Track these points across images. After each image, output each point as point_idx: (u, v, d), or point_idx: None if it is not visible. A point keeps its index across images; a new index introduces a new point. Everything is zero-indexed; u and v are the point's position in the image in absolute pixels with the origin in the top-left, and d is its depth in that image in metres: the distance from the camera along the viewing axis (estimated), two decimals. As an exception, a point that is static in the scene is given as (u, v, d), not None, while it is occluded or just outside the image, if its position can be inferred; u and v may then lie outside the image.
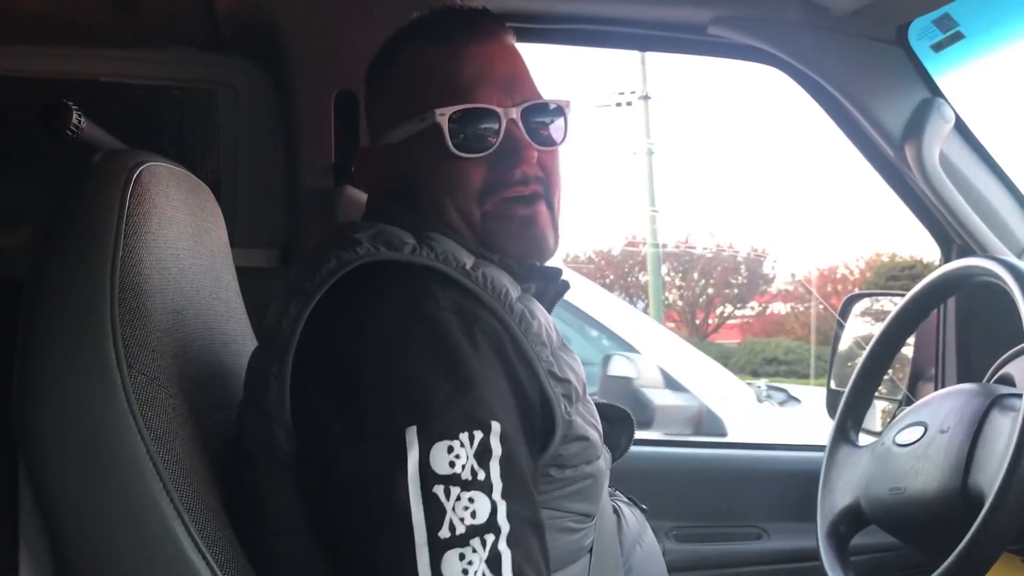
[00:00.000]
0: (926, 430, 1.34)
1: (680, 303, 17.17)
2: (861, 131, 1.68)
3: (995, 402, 1.30)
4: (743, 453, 2.00)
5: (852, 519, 1.40)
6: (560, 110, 1.06)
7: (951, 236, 1.72)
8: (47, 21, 1.61)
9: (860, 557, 1.48)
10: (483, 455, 0.83)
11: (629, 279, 17.58)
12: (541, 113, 1.04)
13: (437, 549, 0.79)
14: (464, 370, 0.87)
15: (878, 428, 1.66)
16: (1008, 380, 1.47)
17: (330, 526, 0.89)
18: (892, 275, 15.14)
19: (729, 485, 1.85)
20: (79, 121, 1.24)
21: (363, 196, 1.64)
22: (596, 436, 1.01)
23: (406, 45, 1.08)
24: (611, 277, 16.58)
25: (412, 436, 0.82)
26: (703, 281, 17.43)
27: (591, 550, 1.02)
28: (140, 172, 1.01)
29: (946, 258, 1.75)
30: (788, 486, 1.78)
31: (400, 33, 1.11)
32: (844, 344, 1.88)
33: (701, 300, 17.32)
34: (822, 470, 1.49)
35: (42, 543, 0.96)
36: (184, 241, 1.09)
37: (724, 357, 15.64)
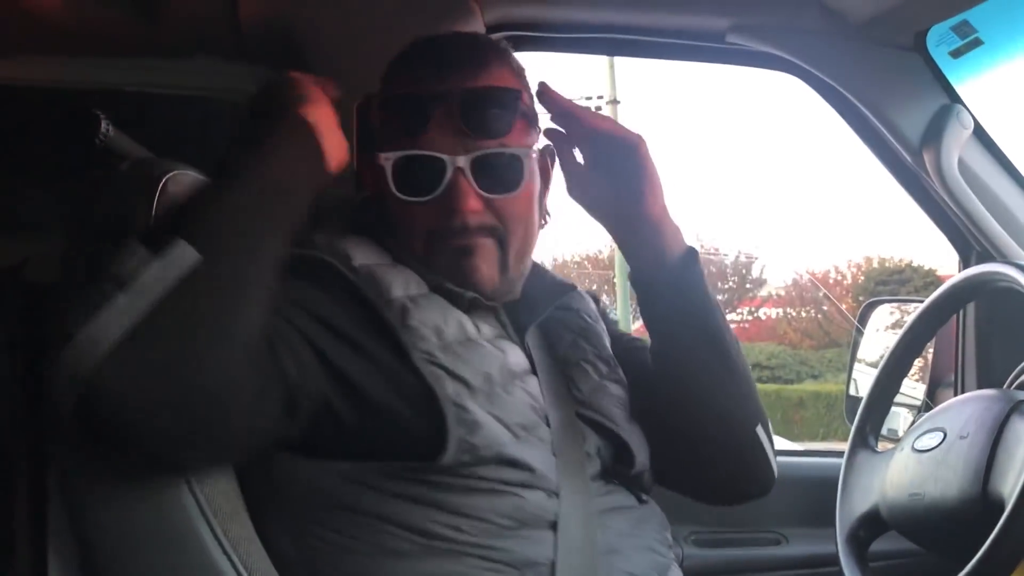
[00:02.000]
0: (945, 436, 1.34)
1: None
2: (879, 138, 1.68)
3: (1015, 408, 1.30)
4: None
5: (871, 525, 1.40)
6: (516, 158, 1.06)
7: (970, 242, 1.72)
8: (73, 32, 1.63)
9: (879, 563, 1.48)
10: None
11: (615, 282, 17.44)
12: (495, 161, 1.05)
13: None
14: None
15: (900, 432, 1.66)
16: (1028, 386, 1.46)
17: None
18: (882, 280, 15.06)
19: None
20: (107, 130, 1.26)
21: (384, 204, 1.67)
22: (499, 432, 1.00)
23: (388, 74, 1.13)
24: (597, 283, 16.43)
25: None
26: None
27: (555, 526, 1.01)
28: (167, 180, 1.03)
29: (965, 264, 1.74)
30: (807, 492, 1.78)
31: (394, 57, 1.15)
32: (862, 351, 1.88)
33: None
34: (841, 476, 1.49)
35: (70, 546, 0.98)
36: (209, 248, 1.11)
37: None
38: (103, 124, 1.25)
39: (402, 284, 1.04)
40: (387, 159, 1.03)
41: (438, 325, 1.02)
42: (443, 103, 1.03)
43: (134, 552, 0.92)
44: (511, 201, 1.07)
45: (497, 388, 1.02)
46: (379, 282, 1.02)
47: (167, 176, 1.03)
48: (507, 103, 1.05)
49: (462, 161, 1.03)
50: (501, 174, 1.05)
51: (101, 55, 1.71)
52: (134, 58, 1.72)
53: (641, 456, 1.14)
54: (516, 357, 1.08)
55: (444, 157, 1.03)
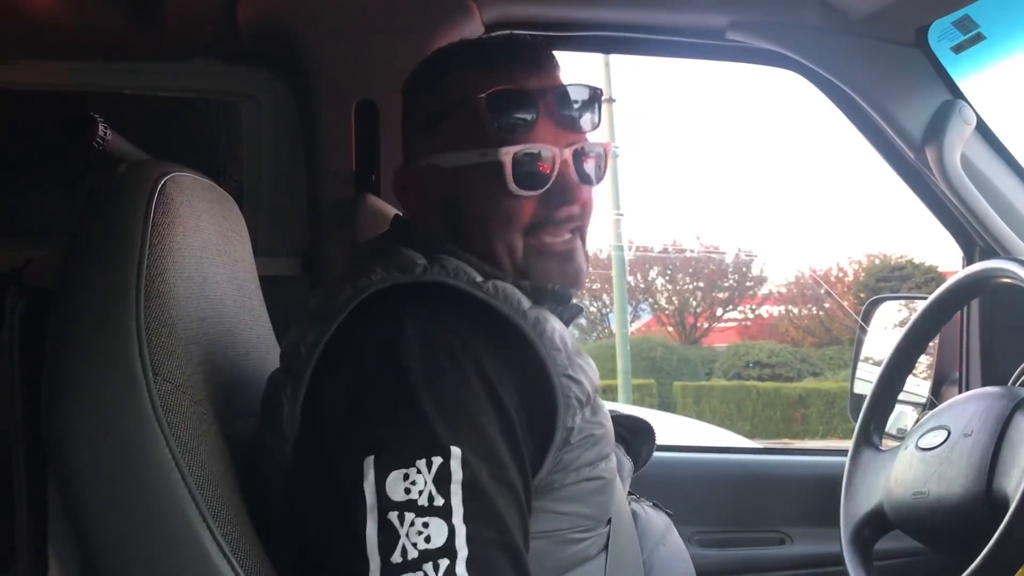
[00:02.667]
0: (949, 434, 1.34)
1: (669, 307, 17.04)
2: (881, 134, 1.68)
3: (1019, 405, 1.29)
4: (766, 458, 1.99)
5: (876, 524, 1.40)
6: (603, 152, 1.08)
7: (973, 238, 1.71)
8: (71, 35, 1.63)
9: (884, 562, 1.48)
10: (442, 481, 0.84)
11: (614, 282, 17.39)
12: (588, 154, 1.07)
13: (388, 574, 0.81)
14: (425, 398, 0.88)
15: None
16: (1033, 383, 1.46)
17: (299, 546, 0.91)
18: (883, 276, 15.04)
19: (752, 490, 1.84)
20: (105, 133, 1.26)
21: (383, 206, 1.66)
22: (605, 435, 1.02)
23: (464, 72, 1.07)
24: (599, 283, 16.41)
25: (369, 465, 0.84)
26: (692, 284, 17.29)
27: (607, 548, 1.03)
28: (165, 183, 1.02)
29: (968, 260, 1.74)
30: (811, 491, 1.78)
31: (454, 54, 1.12)
32: (866, 348, 1.88)
33: (691, 303, 17.19)
34: (845, 475, 1.49)
35: (71, 549, 0.97)
36: (208, 250, 1.11)
37: (709, 361, 15.60)
38: (101, 127, 1.25)
39: (519, 293, 1.01)
40: (507, 156, 1.01)
41: (561, 334, 1.00)
42: (544, 98, 1.04)
43: (134, 555, 0.91)
44: (592, 192, 1.09)
45: (594, 396, 1.02)
46: (509, 296, 0.99)
47: (165, 178, 1.03)
48: (595, 99, 1.08)
49: (567, 153, 1.04)
50: (592, 167, 1.07)
51: (99, 59, 1.71)
52: (132, 61, 1.72)
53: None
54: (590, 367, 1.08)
55: (554, 149, 1.03)
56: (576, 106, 1.06)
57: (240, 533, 0.93)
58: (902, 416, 1.71)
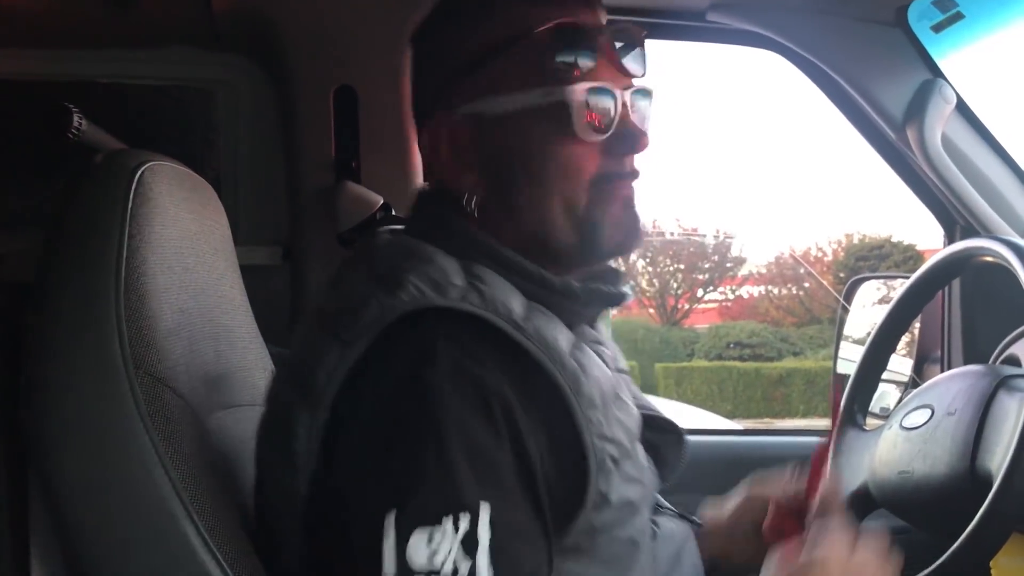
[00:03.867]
0: (933, 413, 1.34)
1: (650, 289, 17.12)
2: (862, 114, 1.68)
3: (1002, 383, 1.30)
4: (749, 439, 2.00)
5: (861, 503, 1.40)
6: (653, 96, 0.98)
7: (954, 217, 1.72)
8: (45, 24, 1.61)
9: (869, 541, 1.48)
10: (470, 543, 0.76)
11: None
12: (642, 97, 0.97)
13: None
14: (455, 446, 0.79)
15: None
16: (1014, 360, 1.47)
17: None
18: (862, 255, 15.15)
19: (737, 471, 1.84)
20: (80, 123, 1.24)
21: (364, 193, 1.65)
22: (640, 494, 0.94)
23: (515, 6, 0.94)
24: None
25: (390, 522, 0.76)
26: (673, 266, 17.36)
27: None
28: (143, 172, 1.01)
29: (950, 239, 1.74)
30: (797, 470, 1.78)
31: None
32: (848, 328, 1.88)
33: (672, 285, 17.26)
34: (829, 454, 1.49)
35: (53, 545, 0.97)
36: (188, 240, 1.09)
37: (691, 342, 15.69)
38: (76, 118, 1.23)
39: (559, 332, 0.90)
40: (576, 92, 0.90)
41: (599, 381, 0.91)
42: (603, 35, 0.94)
43: (118, 550, 0.91)
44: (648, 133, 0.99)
45: (632, 446, 0.94)
46: (548, 339, 0.88)
47: (143, 167, 1.01)
48: (643, 43, 0.98)
49: (627, 95, 0.94)
50: (645, 113, 0.97)
51: (73, 47, 1.69)
52: (107, 49, 1.69)
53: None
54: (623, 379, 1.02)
55: (617, 91, 0.93)
56: (632, 49, 0.96)
57: (225, 527, 0.92)
58: (885, 395, 1.71)
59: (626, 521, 0.91)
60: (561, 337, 0.89)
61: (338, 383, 0.85)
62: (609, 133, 0.93)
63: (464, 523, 0.76)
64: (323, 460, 0.85)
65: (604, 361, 0.97)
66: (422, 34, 1.00)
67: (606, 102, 0.92)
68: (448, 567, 0.75)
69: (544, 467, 0.84)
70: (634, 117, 0.95)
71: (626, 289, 1.00)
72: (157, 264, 0.98)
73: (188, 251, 1.08)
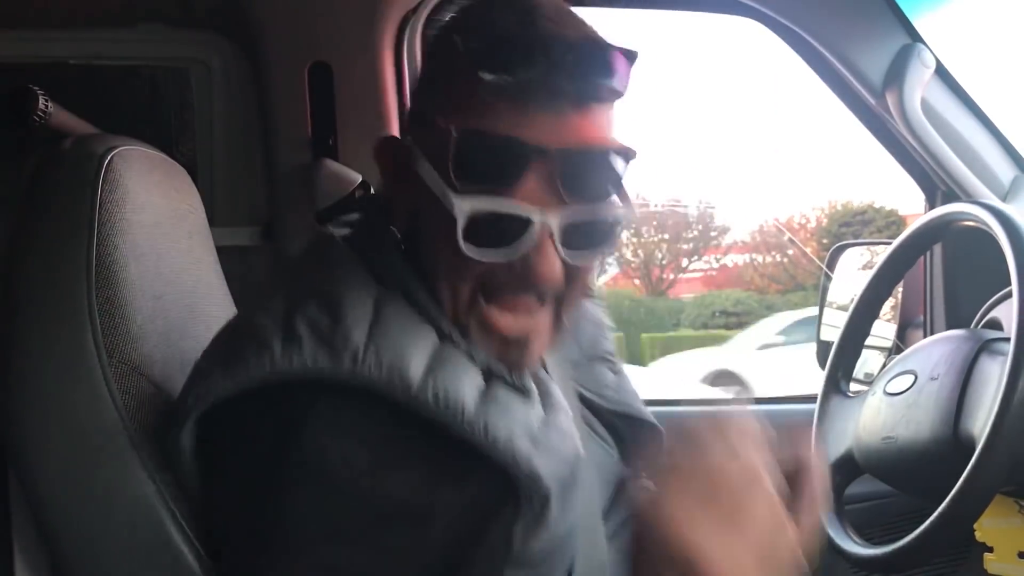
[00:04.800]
0: (916, 378, 1.35)
1: (635, 260, 17.14)
2: (842, 80, 1.67)
3: (983, 347, 1.30)
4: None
5: (846, 469, 1.41)
6: (614, 223, 0.84)
7: (935, 182, 1.71)
8: (11, 4, 1.58)
9: (855, 506, 1.49)
10: None
11: None
12: (589, 225, 0.83)
13: None
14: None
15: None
16: (996, 324, 1.47)
17: None
18: (845, 222, 15.19)
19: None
20: (46, 106, 1.21)
21: (342, 170, 1.63)
22: (579, 511, 0.88)
23: (457, 62, 0.81)
24: None
25: None
26: (657, 237, 17.37)
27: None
28: (112, 157, 0.99)
29: (931, 204, 1.74)
30: (781, 438, 1.79)
31: (464, 25, 0.86)
32: (831, 294, 1.88)
33: (657, 255, 17.27)
34: (814, 421, 1.50)
35: (35, 538, 0.96)
36: (161, 225, 1.07)
37: (676, 312, 15.75)
38: (41, 100, 1.20)
39: (467, 373, 0.83)
40: (462, 210, 0.79)
41: (524, 421, 0.84)
42: (545, 156, 0.79)
43: (97, 542, 0.90)
44: (586, 265, 0.87)
45: (571, 478, 0.86)
46: (452, 404, 0.79)
47: (112, 153, 0.99)
48: (618, 165, 0.84)
49: (553, 222, 0.80)
50: (591, 237, 0.83)
51: (39, 27, 1.65)
52: (74, 30, 1.66)
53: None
54: (566, 416, 0.91)
55: (534, 216, 0.80)
56: (589, 173, 0.81)
57: (203, 516, 0.91)
58: (869, 361, 1.72)
59: (561, 549, 0.85)
60: (467, 390, 0.81)
61: (203, 408, 0.82)
62: (510, 254, 0.81)
63: None
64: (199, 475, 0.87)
65: (537, 386, 0.89)
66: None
67: (511, 224, 0.80)
68: None
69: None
70: (556, 244, 0.81)
71: (530, 382, 0.88)
72: (129, 251, 0.96)
73: (161, 237, 1.07)
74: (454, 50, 0.81)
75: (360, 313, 0.81)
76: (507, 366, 0.86)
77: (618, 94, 0.84)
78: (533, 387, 0.89)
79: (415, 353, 0.80)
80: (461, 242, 0.80)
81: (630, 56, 0.83)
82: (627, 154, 0.84)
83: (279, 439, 0.78)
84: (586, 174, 0.81)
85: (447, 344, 0.84)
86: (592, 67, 0.81)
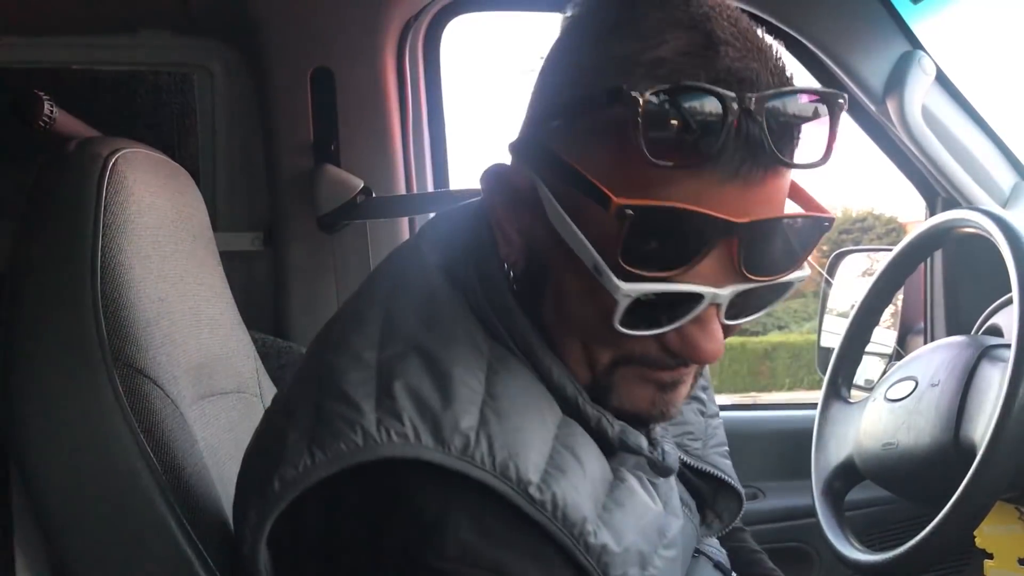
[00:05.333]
0: (917, 384, 1.35)
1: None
2: (842, 87, 1.67)
3: (984, 353, 1.31)
4: (736, 415, 2.00)
5: (847, 475, 1.41)
6: (784, 288, 0.71)
7: (936, 189, 1.72)
8: (14, 10, 1.58)
9: (856, 512, 1.50)
10: None
11: None
12: (759, 294, 0.71)
13: None
14: None
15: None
16: (996, 331, 1.47)
17: None
18: (845, 228, 15.21)
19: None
20: (51, 111, 1.21)
21: (344, 176, 1.64)
22: None
23: (629, 119, 0.62)
24: None
25: None
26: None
27: None
28: (116, 159, 0.99)
29: (931, 211, 1.74)
30: (782, 445, 1.79)
31: (636, 63, 0.65)
32: (831, 301, 1.89)
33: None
34: (815, 428, 1.50)
35: (36, 538, 0.96)
36: (165, 227, 1.08)
37: None
38: (47, 105, 1.21)
39: (590, 492, 0.70)
40: (627, 296, 0.65)
41: (644, 533, 0.73)
42: (730, 232, 0.65)
43: (102, 545, 0.90)
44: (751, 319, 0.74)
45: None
46: (568, 519, 0.68)
47: (116, 155, 1.00)
48: (810, 237, 0.69)
49: (723, 296, 0.67)
50: (760, 302, 0.72)
51: (44, 34, 1.66)
52: (79, 36, 1.67)
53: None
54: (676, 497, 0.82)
55: (705, 292, 0.66)
56: (774, 249, 0.67)
57: (207, 517, 0.91)
58: (869, 367, 1.72)
59: None
60: (586, 495, 0.69)
61: (292, 496, 0.67)
62: (671, 327, 0.69)
63: None
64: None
65: (653, 482, 0.79)
66: (550, 56, 0.73)
67: (684, 305, 0.67)
68: None
69: None
70: (720, 316, 0.69)
71: (673, 459, 0.81)
72: (133, 253, 0.97)
73: (165, 239, 1.07)
74: (638, 74, 0.65)
75: (472, 387, 0.69)
76: (650, 417, 0.76)
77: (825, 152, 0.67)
78: (668, 468, 0.81)
79: (533, 442, 0.69)
80: (617, 324, 0.67)
81: (831, 101, 0.67)
82: (821, 223, 0.70)
83: (417, 545, 0.65)
84: (772, 248, 0.68)
85: (570, 423, 0.73)
86: (788, 121, 0.65)
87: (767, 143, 0.63)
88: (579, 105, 0.67)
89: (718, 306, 0.68)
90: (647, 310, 0.67)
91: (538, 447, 0.69)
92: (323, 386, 0.70)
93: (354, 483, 0.66)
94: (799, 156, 0.66)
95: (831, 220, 0.70)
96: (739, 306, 0.70)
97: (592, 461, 0.72)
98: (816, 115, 0.67)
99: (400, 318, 0.73)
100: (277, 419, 0.73)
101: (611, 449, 0.75)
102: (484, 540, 0.65)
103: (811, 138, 0.67)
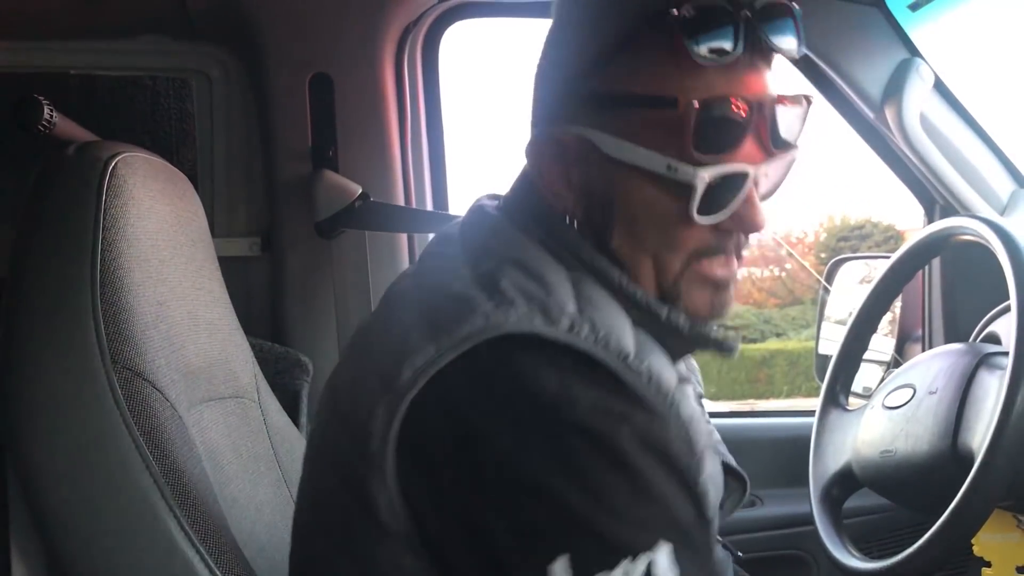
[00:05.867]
0: (915, 392, 1.35)
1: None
2: (841, 95, 1.68)
3: (982, 361, 1.31)
4: (734, 422, 2.00)
5: (844, 483, 1.41)
6: (791, 165, 0.87)
7: (934, 196, 1.72)
8: (13, 15, 1.58)
9: (853, 519, 1.50)
10: None
11: None
12: (783, 166, 0.86)
13: None
14: (619, 484, 0.72)
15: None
16: (994, 339, 1.47)
17: None
18: (843, 236, 15.24)
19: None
20: (51, 116, 1.22)
21: (342, 181, 1.64)
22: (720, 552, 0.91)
23: (670, 52, 0.79)
24: None
25: (563, 567, 0.68)
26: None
27: None
28: (116, 163, 0.99)
29: (929, 218, 1.75)
30: (780, 452, 1.79)
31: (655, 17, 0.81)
32: (829, 308, 1.89)
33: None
34: (813, 435, 1.50)
35: (34, 541, 0.95)
36: (164, 231, 1.08)
37: None
38: (47, 110, 1.21)
39: (667, 369, 0.81)
40: (703, 180, 0.79)
41: (699, 432, 0.81)
42: (760, 111, 0.81)
43: (101, 547, 0.90)
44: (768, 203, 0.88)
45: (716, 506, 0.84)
46: (662, 383, 0.78)
47: (116, 159, 1.00)
48: (805, 114, 0.86)
49: (763, 169, 0.83)
50: (775, 182, 0.87)
51: (43, 38, 1.66)
52: (78, 40, 1.67)
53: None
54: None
55: (750, 169, 0.81)
56: (793, 120, 0.84)
57: (208, 521, 0.91)
58: (867, 375, 1.72)
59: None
60: (670, 378, 0.80)
61: (423, 383, 0.74)
62: (727, 210, 0.82)
63: (642, 564, 0.69)
64: (400, 458, 0.75)
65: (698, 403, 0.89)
66: (555, 28, 0.88)
67: (735, 185, 0.81)
68: None
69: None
70: (763, 188, 0.84)
71: (735, 338, 0.90)
72: (133, 257, 0.97)
73: (164, 243, 1.07)
74: (655, 24, 0.80)
75: (565, 287, 0.79)
76: (713, 313, 0.87)
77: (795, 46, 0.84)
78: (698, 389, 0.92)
79: (624, 327, 0.79)
80: (695, 212, 0.80)
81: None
82: (810, 101, 0.86)
83: (505, 396, 0.73)
84: (789, 124, 0.83)
85: (640, 331, 0.82)
86: (783, 24, 0.83)
87: (765, 39, 0.81)
88: (626, 36, 0.81)
89: (756, 183, 0.82)
90: (711, 196, 0.80)
91: (628, 332, 0.79)
92: (430, 297, 0.81)
93: (475, 367, 0.74)
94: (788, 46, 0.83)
95: (812, 97, 0.86)
96: (765, 187, 0.85)
97: (667, 366, 0.81)
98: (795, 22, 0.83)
99: (485, 247, 0.84)
100: (384, 331, 0.82)
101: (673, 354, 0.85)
102: (607, 395, 0.74)
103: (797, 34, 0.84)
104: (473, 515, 0.73)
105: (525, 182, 0.89)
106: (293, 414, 1.42)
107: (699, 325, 0.86)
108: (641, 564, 0.68)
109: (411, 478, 0.75)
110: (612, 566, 0.68)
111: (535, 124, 0.87)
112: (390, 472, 0.75)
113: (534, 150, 0.86)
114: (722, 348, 0.89)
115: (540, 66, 0.88)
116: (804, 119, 0.86)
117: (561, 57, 0.86)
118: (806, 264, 14.95)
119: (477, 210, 0.90)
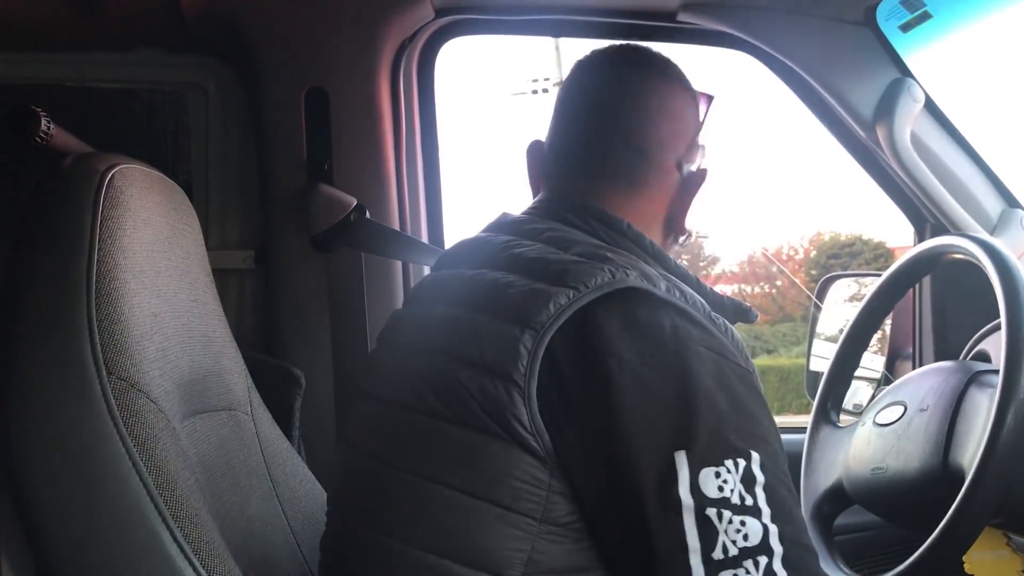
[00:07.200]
0: (906, 409, 1.36)
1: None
2: (833, 114, 1.69)
3: (972, 379, 1.31)
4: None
5: (835, 499, 1.42)
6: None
7: (924, 215, 1.73)
8: (9, 26, 1.59)
9: (844, 536, 1.50)
10: (748, 482, 0.86)
11: None
12: None
13: (711, 569, 0.83)
14: (723, 400, 0.89)
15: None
16: (984, 356, 1.48)
17: (589, 528, 0.91)
18: (833, 253, 15.31)
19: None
20: (48, 127, 1.22)
21: (337, 194, 1.64)
22: None
23: (683, 86, 1.15)
24: None
25: (681, 460, 0.85)
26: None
27: None
28: (113, 174, 0.99)
29: (920, 237, 1.76)
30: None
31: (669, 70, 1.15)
32: (820, 325, 1.90)
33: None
34: (804, 452, 1.50)
35: (24, 552, 0.95)
36: (160, 243, 1.08)
37: None
38: (43, 122, 1.21)
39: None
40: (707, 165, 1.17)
41: None
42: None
43: (93, 560, 0.89)
44: None
45: None
46: (736, 338, 1.00)
47: (113, 170, 1.00)
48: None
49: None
50: None
51: (40, 50, 1.66)
52: (74, 52, 1.67)
53: None
54: None
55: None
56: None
57: (201, 533, 0.91)
58: (858, 392, 1.73)
59: None
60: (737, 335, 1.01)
61: (563, 319, 0.90)
62: None
63: (742, 465, 0.86)
64: (541, 381, 0.90)
65: None
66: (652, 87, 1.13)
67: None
68: (735, 498, 0.85)
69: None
70: None
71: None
72: (128, 268, 0.97)
73: (160, 255, 1.07)
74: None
75: (644, 266, 0.99)
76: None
77: None
78: (753, 313, 1.17)
79: (698, 299, 0.99)
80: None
81: None
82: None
83: (675, 332, 0.91)
84: None
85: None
86: None
87: None
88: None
89: None
90: None
91: (699, 298, 1.00)
92: (546, 267, 0.95)
93: (608, 308, 0.91)
94: None
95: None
96: None
97: None
98: None
99: (569, 240, 1.01)
100: (501, 296, 0.95)
101: None
102: (708, 335, 0.93)
103: None
104: (600, 419, 0.88)
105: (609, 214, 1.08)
106: (286, 428, 1.42)
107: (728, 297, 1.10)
108: (740, 466, 0.85)
109: (550, 395, 0.89)
110: (719, 463, 0.85)
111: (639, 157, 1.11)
112: (532, 393, 0.89)
113: (625, 179, 1.11)
114: (742, 313, 1.13)
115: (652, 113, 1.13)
116: None
117: (678, 123, 1.15)
118: (796, 281, 15.00)
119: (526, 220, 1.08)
